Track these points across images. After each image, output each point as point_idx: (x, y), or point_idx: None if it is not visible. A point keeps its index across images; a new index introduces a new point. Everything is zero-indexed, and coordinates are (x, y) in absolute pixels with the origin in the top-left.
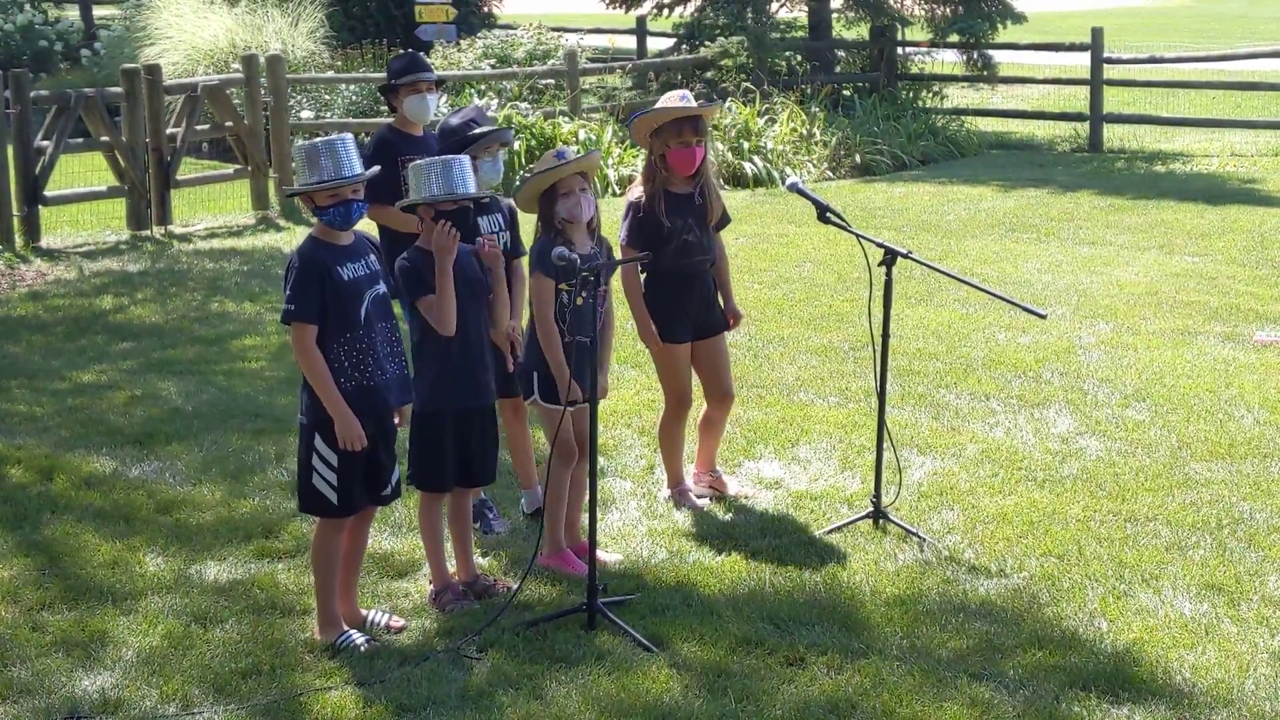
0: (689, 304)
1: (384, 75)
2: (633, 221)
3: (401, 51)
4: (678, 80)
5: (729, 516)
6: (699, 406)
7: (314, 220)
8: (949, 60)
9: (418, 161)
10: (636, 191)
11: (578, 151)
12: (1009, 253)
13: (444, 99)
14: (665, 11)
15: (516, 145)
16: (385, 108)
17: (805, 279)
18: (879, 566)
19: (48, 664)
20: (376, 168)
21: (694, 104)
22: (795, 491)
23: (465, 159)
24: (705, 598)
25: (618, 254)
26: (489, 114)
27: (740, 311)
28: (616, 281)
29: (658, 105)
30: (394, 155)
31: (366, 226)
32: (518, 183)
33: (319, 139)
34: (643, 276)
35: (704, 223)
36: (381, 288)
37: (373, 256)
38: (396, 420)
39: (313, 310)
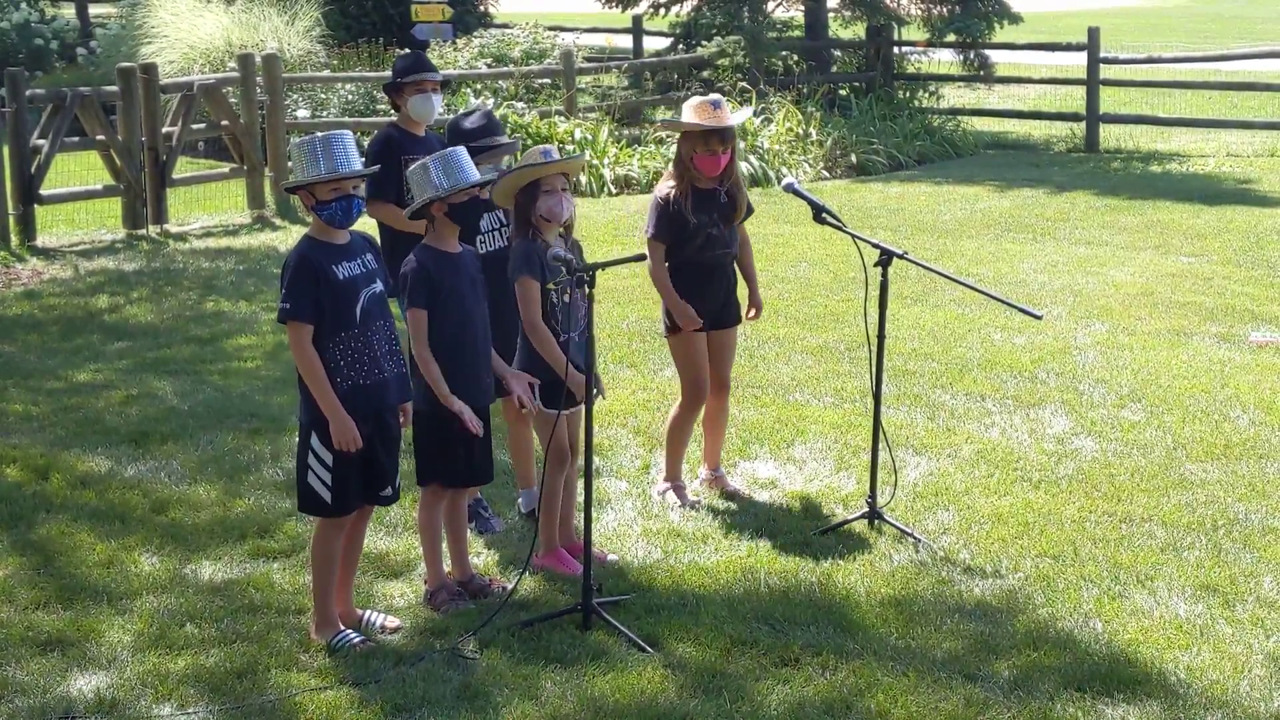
0: (709, 295)
1: (381, 74)
2: (660, 216)
3: (406, 51)
4: (674, 80)
5: (724, 517)
6: None
7: (309, 219)
8: (945, 60)
9: (417, 163)
10: (666, 187)
11: (570, 152)
12: (1005, 253)
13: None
14: (661, 11)
15: None
16: (385, 106)
17: (801, 279)
18: (874, 567)
19: (42, 664)
20: (377, 165)
21: (721, 115)
22: (790, 492)
23: (462, 149)
24: (700, 598)
25: (642, 247)
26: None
27: (762, 303)
28: (603, 279)
29: (684, 110)
30: (398, 153)
31: (367, 225)
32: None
33: (318, 134)
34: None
35: (727, 218)
36: (378, 286)
37: (370, 255)
38: (401, 420)
39: (309, 309)
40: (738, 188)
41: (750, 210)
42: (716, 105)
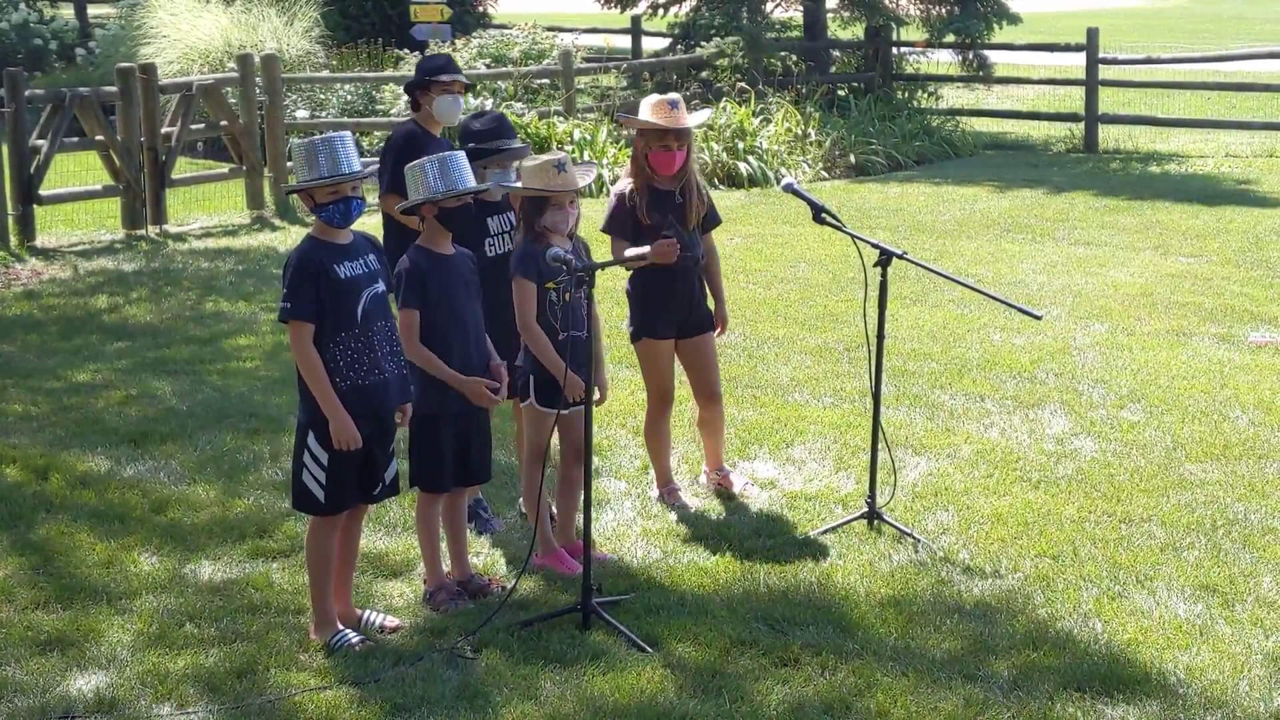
0: (672, 300)
1: (380, 75)
2: (614, 212)
3: (430, 52)
4: (672, 80)
5: (723, 517)
6: (690, 406)
7: (309, 219)
8: (944, 60)
9: (415, 161)
10: (623, 184)
11: (573, 155)
12: (1004, 253)
13: None
14: (660, 11)
15: None
16: (384, 106)
17: (800, 279)
18: (873, 567)
19: (42, 663)
20: (375, 166)
21: (677, 116)
22: (790, 492)
23: (461, 153)
24: (699, 598)
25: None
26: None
27: (728, 317)
28: (601, 279)
29: (641, 111)
30: (420, 151)
31: (372, 225)
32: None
33: (318, 136)
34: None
35: (684, 221)
36: (380, 287)
37: (372, 256)
38: (399, 419)
39: (310, 309)
40: (691, 189)
41: (715, 220)
42: (674, 105)
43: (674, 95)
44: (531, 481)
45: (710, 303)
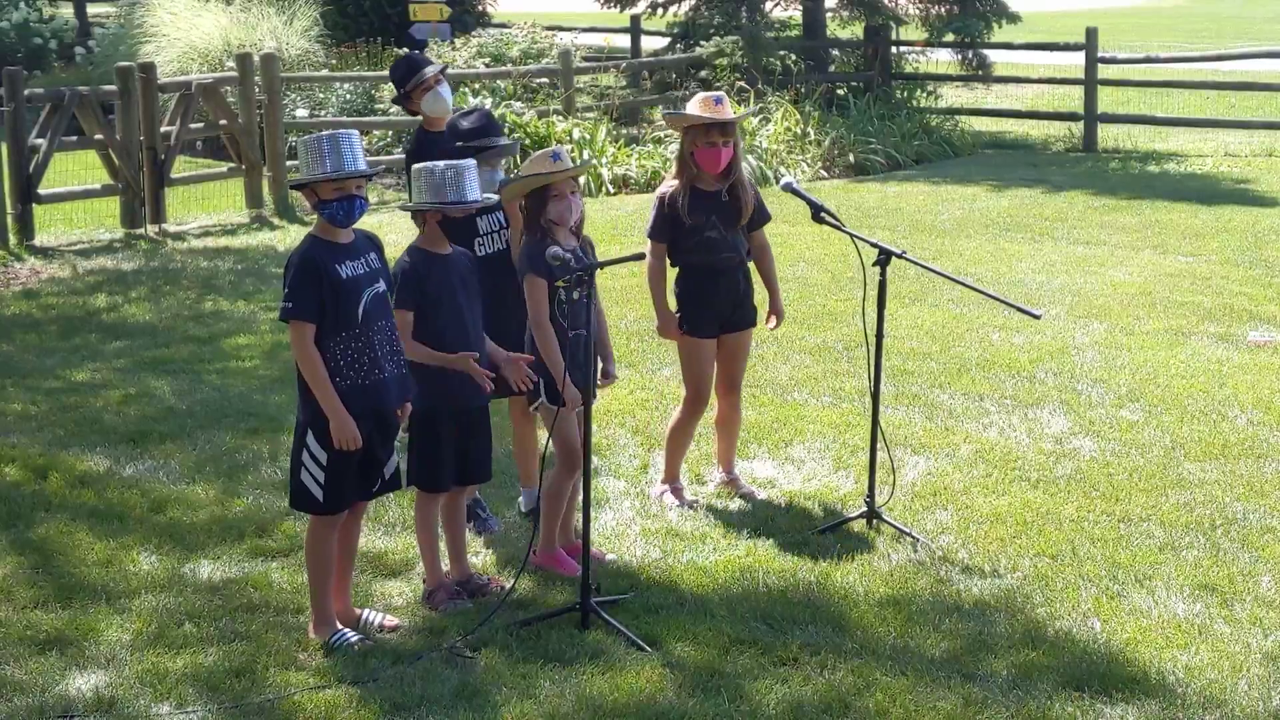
0: (715, 299)
1: (379, 74)
2: (657, 215)
3: (399, 55)
4: (671, 79)
5: (722, 516)
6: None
7: (309, 219)
8: (944, 60)
9: (422, 165)
10: (667, 185)
11: (570, 152)
12: (1003, 253)
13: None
14: (660, 11)
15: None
16: (383, 105)
17: (799, 279)
18: (872, 566)
19: (41, 663)
20: (382, 167)
21: (722, 110)
22: (789, 491)
23: (473, 164)
24: (698, 597)
25: (643, 244)
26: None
27: (783, 311)
28: (602, 278)
29: (688, 107)
30: (434, 153)
31: (373, 225)
32: (505, 175)
33: (325, 132)
34: (674, 272)
35: (731, 221)
36: (380, 286)
37: (373, 254)
38: (400, 415)
39: (311, 308)
40: (741, 188)
41: (765, 216)
42: (719, 101)
43: (719, 93)
44: (559, 483)
45: (757, 299)
